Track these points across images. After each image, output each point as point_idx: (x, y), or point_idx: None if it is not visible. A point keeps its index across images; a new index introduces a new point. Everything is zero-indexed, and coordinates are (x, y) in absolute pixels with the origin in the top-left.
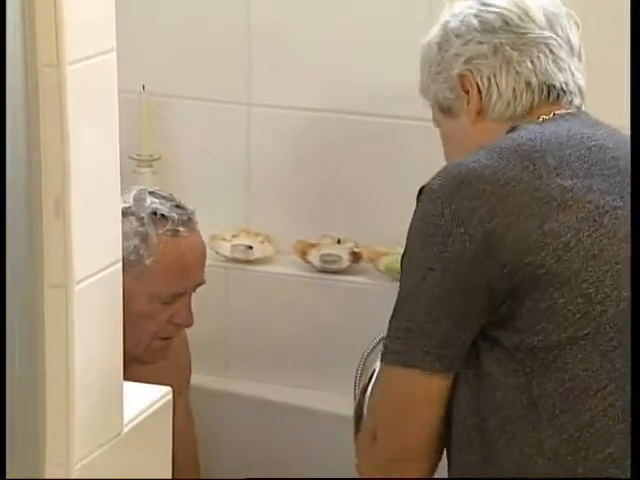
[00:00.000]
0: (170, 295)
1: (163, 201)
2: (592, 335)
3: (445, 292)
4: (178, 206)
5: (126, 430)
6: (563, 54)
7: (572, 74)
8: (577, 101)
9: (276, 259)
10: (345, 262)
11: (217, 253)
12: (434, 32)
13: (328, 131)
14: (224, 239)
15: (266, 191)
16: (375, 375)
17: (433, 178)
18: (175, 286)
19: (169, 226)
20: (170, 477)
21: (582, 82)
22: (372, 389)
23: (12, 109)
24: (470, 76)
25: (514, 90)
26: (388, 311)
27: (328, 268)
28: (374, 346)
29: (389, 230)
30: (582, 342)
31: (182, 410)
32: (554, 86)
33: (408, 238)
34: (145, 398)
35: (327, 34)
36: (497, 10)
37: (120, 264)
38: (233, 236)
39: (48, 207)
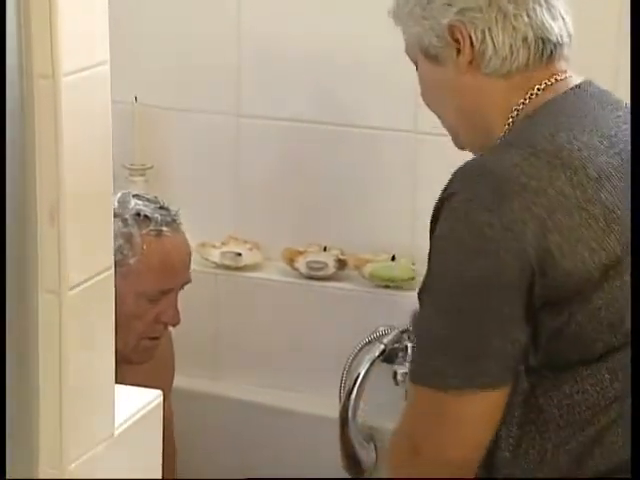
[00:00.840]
0: (156, 293)
1: (147, 203)
2: (604, 355)
3: (508, 309)
4: (162, 207)
5: (117, 432)
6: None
7: (563, 19)
8: (567, 50)
9: (264, 266)
10: (331, 269)
11: (207, 260)
12: None
13: (315, 142)
14: (214, 246)
15: (255, 199)
16: (360, 379)
17: (463, 184)
18: (160, 284)
19: (152, 226)
20: (160, 478)
21: (571, 24)
22: (406, 406)
23: (8, 119)
24: (462, 27)
25: (511, 46)
26: (373, 316)
27: (314, 275)
28: (359, 350)
29: (374, 238)
30: (595, 362)
31: (165, 413)
32: (550, 40)
33: (441, 250)
34: (136, 401)
35: (314, 48)
36: None
37: (112, 270)
38: (222, 243)
39: (43, 215)
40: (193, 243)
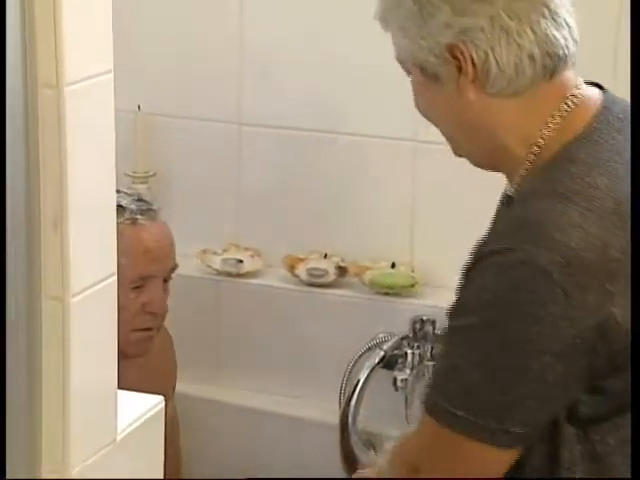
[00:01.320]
0: (136, 279)
1: (125, 196)
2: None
3: (554, 377)
4: (140, 200)
5: (120, 437)
6: (556, 5)
7: (568, 26)
8: (572, 60)
9: (265, 273)
10: (331, 276)
11: (209, 267)
12: None
13: (315, 150)
14: (215, 253)
15: (256, 207)
16: (360, 385)
17: (518, 241)
18: (138, 270)
19: (127, 215)
20: None
21: (575, 29)
22: (415, 431)
23: (12, 128)
24: (463, 47)
25: (516, 65)
26: (372, 323)
27: (315, 282)
28: (359, 357)
29: (374, 246)
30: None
31: (169, 417)
32: (556, 54)
33: (489, 304)
34: (138, 406)
35: (315, 57)
36: None
37: (115, 277)
38: (224, 250)
39: (47, 223)
40: (195, 250)
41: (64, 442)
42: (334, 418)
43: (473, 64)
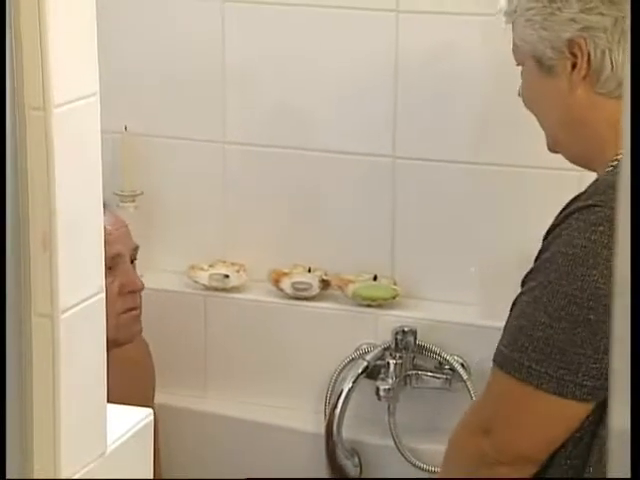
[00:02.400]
0: (108, 260)
1: None
2: None
3: None
4: None
5: (110, 450)
6: None
7: None
8: None
9: (251, 287)
10: (315, 289)
11: (196, 282)
12: None
13: (298, 167)
14: (202, 269)
15: (241, 223)
16: (344, 394)
17: (608, 198)
18: (106, 250)
19: None
20: None
21: None
22: (486, 391)
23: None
24: (583, 43)
25: None
26: (355, 334)
27: (300, 295)
28: (343, 367)
29: (356, 259)
30: None
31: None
32: None
33: (574, 258)
34: (128, 420)
35: (297, 75)
36: None
37: (103, 294)
38: (210, 266)
39: (36, 242)
40: (182, 266)
41: (55, 455)
42: (319, 427)
43: (589, 61)
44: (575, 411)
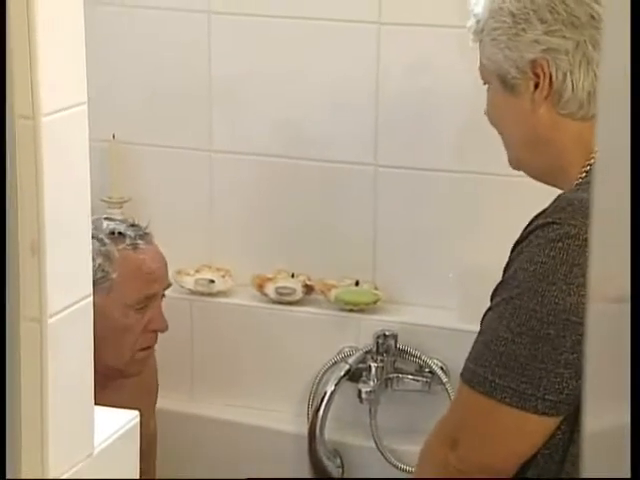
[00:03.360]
0: (142, 299)
1: (119, 222)
2: None
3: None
4: (133, 225)
5: (97, 451)
6: None
7: None
8: None
9: (236, 292)
10: (299, 294)
11: (182, 287)
12: None
13: (282, 175)
14: (188, 274)
15: (226, 230)
16: (327, 397)
17: (565, 216)
18: (143, 290)
19: (128, 241)
20: None
21: None
22: (452, 406)
23: None
24: (545, 64)
25: (589, 93)
26: (338, 338)
27: (283, 299)
28: (325, 370)
29: (338, 265)
30: None
31: (150, 433)
32: None
33: (532, 275)
34: (114, 422)
35: (281, 86)
36: (585, 0)
37: (91, 298)
38: (196, 271)
39: (24, 247)
40: (169, 271)
41: (43, 456)
42: (302, 429)
43: (550, 82)
44: (538, 425)
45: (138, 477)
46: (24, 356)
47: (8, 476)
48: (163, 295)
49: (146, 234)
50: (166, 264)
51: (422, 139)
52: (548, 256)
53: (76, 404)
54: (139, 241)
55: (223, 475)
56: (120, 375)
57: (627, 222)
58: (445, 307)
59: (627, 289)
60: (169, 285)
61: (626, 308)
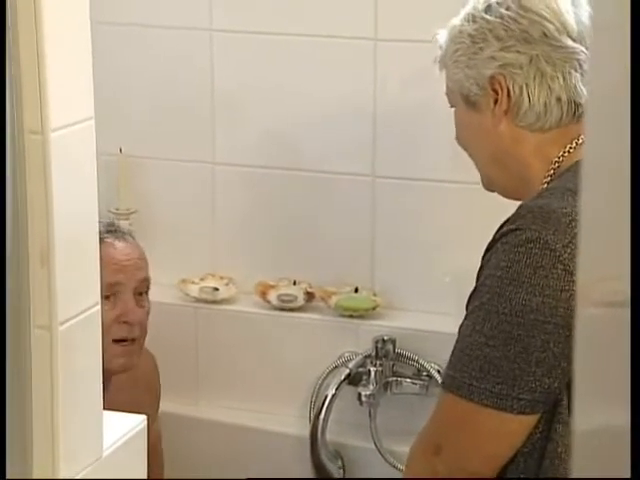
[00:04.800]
0: (107, 286)
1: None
2: None
3: (558, 346)
4: (109, 224)
5: (105, 455)
6: (587, 66)
7: None
8: None
9: (239, 299)
10: (300, 301)
11: (187, 295)
12: (465, 18)
13: (283, 186)
14: (193, 282)
15: (229, 239)
16: (328, 400)
17: (527, 222)
18: (107, 277)
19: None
20: None
21: None
22: (435, 412)
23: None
24: (502, 79)
25: (545, 104)
26: (338, 343)
27: (285, 306)
28: (326, 374)
29: (338, 272)
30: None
31: (154, 437)
32: (580, 104)
33: (500, 280)
34: (122, 426)
35: (281, 100)
36: (537, 19)
37: (99, 306)
38: (200, 279)
39: (34, 257)
40: (174, 280)
41: (54, 460)
42: (304, 431)
43: (508, 96)
44: (516, 424)
45: (145, 478)
46: (35, 363)
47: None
48: (143, 290)
49: (117, 231)
50: (141, 258)
51: (418, 151)
52: (512, 260)
53: (85, 409)
54: (106, 235)
55: (227, 477)
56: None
57: (614, 228)
58: (442, 312)
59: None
60: (146, 279)
61: (615, 312)
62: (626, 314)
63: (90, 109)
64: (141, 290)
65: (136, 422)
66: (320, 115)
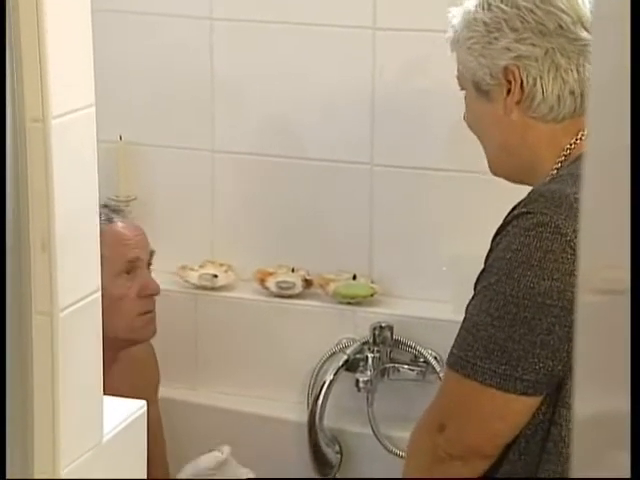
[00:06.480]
0: (125, 264)
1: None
2: None
3: (563, 330)
4: (105, 205)
5: (105, 440)
6: None
7: None
8: None
9: (238, 286)
10: (298, 288)
11: (186, 282)
12: (480, 5)
13: (281, 173)
14: (192, 269)
15: (229, 226)
16: (326, 386)
17: (539, 206)
18: (125, 256)
19: (103, 217)
20: None
21: None
22: (440, 390)
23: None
24: (516, 70)
25: (558, 96)
26: (336, 330)
27: (284, 293)
28: (324, 361)
29: (336, 260)
30: None
31: (154, 417)
32: None
33: (510, 262)
34: (122, 411)
35: (280, 88)
36: (553, 10)
37: (99, 293)
38: (200, 266)
39: (35, 244)
40: (173, 267)
41: (54, 445)
42: (302, 417)
43: (521, 88)
44: (519, 405)
45: (145, 463)
46: (36, 348)
47: (21, 463)
48: (151, 263)
49: (120, 210)
50: (144, 234)
51: (416, 139)
52: (523, 244)
53: (85, 394)
54: (112, 215)
55: None
56: (127, 343)
57: (614, 216)
58: (439, 299)
59: (616, 281)
60: (152, 253)
61: (615, 300)
62: (626, 302)
63: (91, 96)
64: (149, 263)
65: (136, 407)
66: (319, 103)
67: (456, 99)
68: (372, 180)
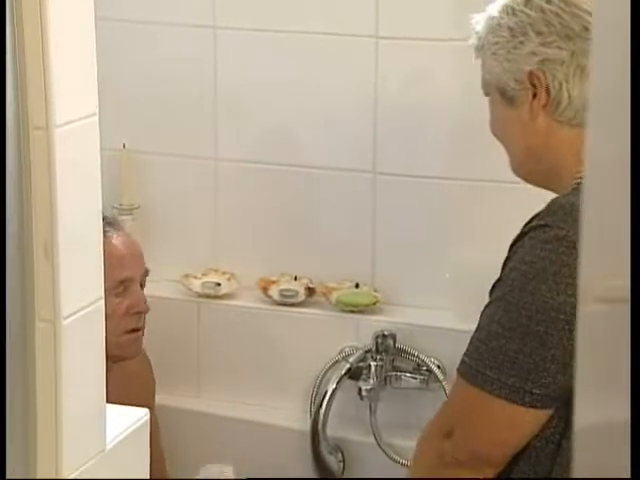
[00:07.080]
0: (117, 283)
1: None
2: None
3: (572, 346)
4: (108, 217)
5: (108, 447)
6: None
7: None
8: None
9: (241, 294)
10: (301, 296)
11: (189, 290)
12: (504, 10)
13: (285, 182)
14: (195, 277)
15: (231, 234)
16: (329, 395)
17: (556, 219)
18: (116, 276)
19: None
20: None
21: None
22: (450, 394)
23: (7, 166)
24: (541, 75)
25: (584, 100)
26: (339, 338)
27: (286, 302)
28: (327, 369)
29: (339, 268)
30: None
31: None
32: None
33: (525, 275)
34: (125, 419)
35: (284, 97)
36: (578, 12)
37: (103, 301)
38: (203, 274)
39: (38, 251)
40: (176, 275)
41: (57, 452)
42: (305, 425)
43: (548, 92)
44: (527, 417)
45: (148, 471)
46: (39, 356)
47: (24, 471)
48: (144, 282)
49: (115, 222)
50: (139, 250)
51: (418, 148)
52: (538, 256)
53: (88, 402)
54: (108, 228)
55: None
56: (113, 360)
57: (615, 225)
58: (441, 308)
59: (617, 289)
60: (146, 272)
61: (616, 308)
62: (627, 310)
63: (94, 105)
64: (143, 280)
65: (139, 416)
66: (322, 112)
67: (458, 107)
68: (375, 188)
